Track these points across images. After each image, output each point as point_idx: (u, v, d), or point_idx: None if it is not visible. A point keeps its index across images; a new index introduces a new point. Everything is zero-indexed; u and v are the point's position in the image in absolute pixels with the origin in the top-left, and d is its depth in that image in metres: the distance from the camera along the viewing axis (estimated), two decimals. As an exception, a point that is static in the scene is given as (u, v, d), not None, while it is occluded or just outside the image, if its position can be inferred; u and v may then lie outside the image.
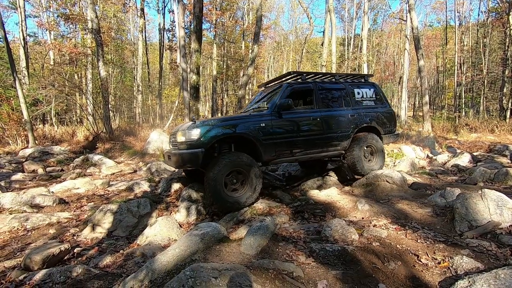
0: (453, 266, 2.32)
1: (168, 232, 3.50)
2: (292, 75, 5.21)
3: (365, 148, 5.22)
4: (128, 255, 3.02)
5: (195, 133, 3.87)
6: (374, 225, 3.26)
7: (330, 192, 4.59)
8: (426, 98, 14.41)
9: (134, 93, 21.95)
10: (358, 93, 5.27)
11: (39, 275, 2.57)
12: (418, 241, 2.80)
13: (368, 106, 5.32)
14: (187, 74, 12.20)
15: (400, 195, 4.45)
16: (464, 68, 26.43)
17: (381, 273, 2.31)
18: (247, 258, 2.52)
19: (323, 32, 19.71)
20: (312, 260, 2.52)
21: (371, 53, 25.40)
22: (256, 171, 4.10)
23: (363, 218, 3.62)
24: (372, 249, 2.61)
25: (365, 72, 15.32)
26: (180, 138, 4.04)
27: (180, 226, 3.82)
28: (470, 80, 26.13)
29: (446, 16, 27.66)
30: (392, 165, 8.18)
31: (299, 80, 5.12)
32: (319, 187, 5.32)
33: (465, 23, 27.73)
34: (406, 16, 19.51)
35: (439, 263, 2.43)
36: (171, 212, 4.34)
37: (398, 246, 2.72)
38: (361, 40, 21.46)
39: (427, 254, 2.56)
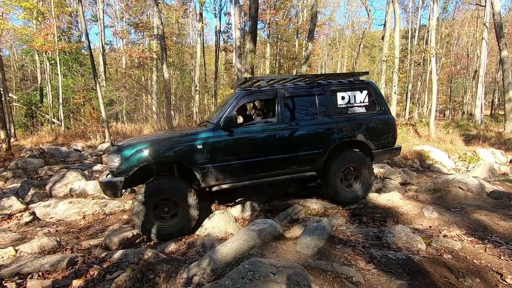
0: (550, 291, 1.99)
1: (225, 226, 3.66)
2: (254, 81, 4.37)
3: (347, 169, 4.31)
4: (190, 244, 3.25)
5: (116, 160, 3.44)
6: (445, 236, 2.96)
7: (392, 196, 4.30)
8: (510, 94, 12.45)
9: (192, 93, 23.34)
10: (343, 98, 4.28)
11: (117, 255, 2.92)
12: (502, 258, 2.46)
13: (355, 115, 4.31)
14: (241, 74, 12.55)
15: (477, 204, 3.95)
16: (563, 58, 22.09)
17: (454, 289, 2.09)
18: (303, 257, 2.50)
19: (384, 24, 18.39)
20: (373, 267, 2.39)
21: (439, 45, 22.76)
22: (191, 200, 3.58)
23: (430, 226, 3.31)
24: (443, 262, 2.37)
25: (433, 67, 13.73)
26: (107, 162, 3.64)
27: (236, 220, 3.97)
28: None
29: (539, -3, 23.40)
30: (464, 170, 7.30)
31: (261, 86, 4.15)
32: (378, 191, 5.04)
33: None
34: (485, 1, 17.01)
35: (529, 285, 2.10)
36: (227, 207, 4.52)
37: (475, 261, 2.42)
38: (428, 31, 19.40)
39: (514, 274, 2.23)
